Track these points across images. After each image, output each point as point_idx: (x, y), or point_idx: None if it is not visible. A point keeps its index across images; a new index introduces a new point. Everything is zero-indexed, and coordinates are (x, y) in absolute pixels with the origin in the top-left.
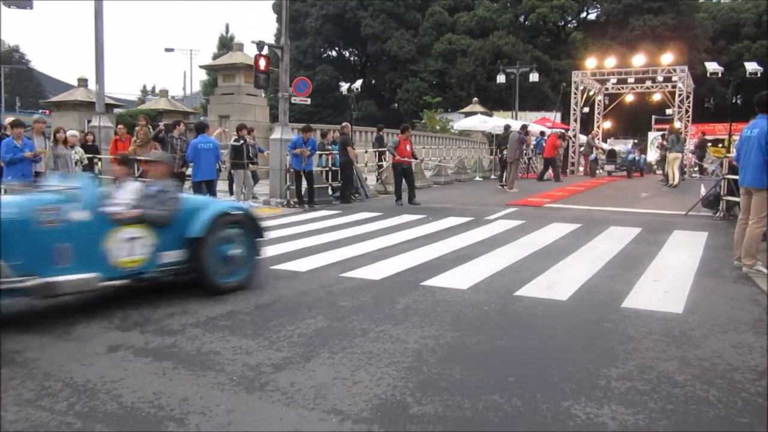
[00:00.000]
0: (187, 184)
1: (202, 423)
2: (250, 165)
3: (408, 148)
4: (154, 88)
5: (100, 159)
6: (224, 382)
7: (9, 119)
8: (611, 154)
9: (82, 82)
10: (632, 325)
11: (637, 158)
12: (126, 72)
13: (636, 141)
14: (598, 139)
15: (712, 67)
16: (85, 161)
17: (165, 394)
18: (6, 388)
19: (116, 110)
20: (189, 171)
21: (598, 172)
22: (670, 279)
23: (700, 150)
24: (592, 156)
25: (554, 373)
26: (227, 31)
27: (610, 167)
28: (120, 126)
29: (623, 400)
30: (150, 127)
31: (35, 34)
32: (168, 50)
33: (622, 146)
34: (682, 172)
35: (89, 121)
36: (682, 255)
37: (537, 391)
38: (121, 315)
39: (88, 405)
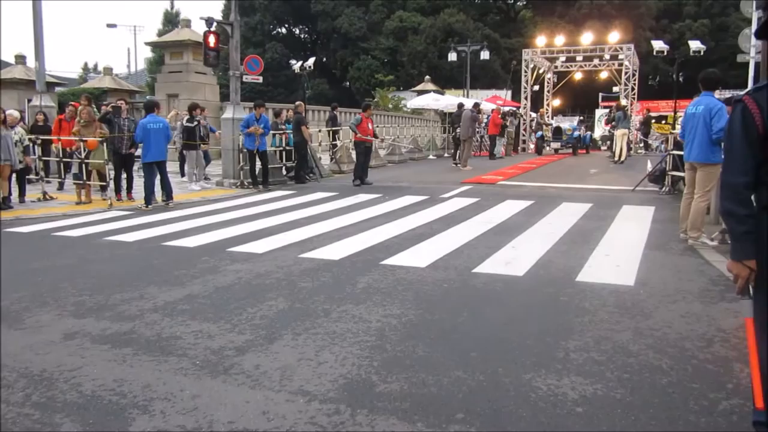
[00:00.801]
0: (137, 165)
1: (167, 409)
2: (202, 145)
3: (370, 126)
4: (96, 65)
5: (41, 140)
6: (187, 367)
7: None
8: (557, 132)
9: (20, 59)
10: (587, 298)
11: (582, 135)
12: (67, 48)
13: (582, 118)
14: (548, 116)
15: (658, 45)
16: (26, 142)
17: (127, 381)
18: None
19: (57, 89)
20: (138, 152)
21: (544, 149)
22: (621, 253)
23: (645, 126)
24: (539, 133)
25: (515, 347)
26: (172, 7)
27: (556, 145)
28: (69, 105)
29: (581, 371)
30: (94, 106)
31: None
32: (110, 26)
33: (569, 124)
34: (629, 149)
35: (30, 101)
36: (631, 229)
37: (499, 366)
38: (76, 302)
39: (45, 395)
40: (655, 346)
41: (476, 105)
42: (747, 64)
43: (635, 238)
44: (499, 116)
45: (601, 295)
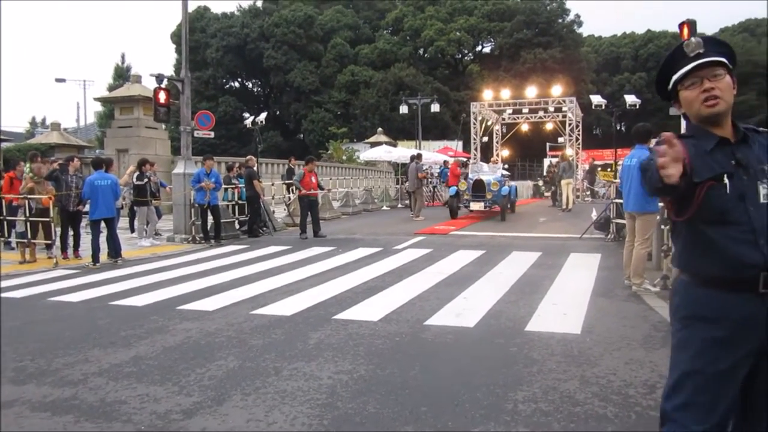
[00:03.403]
0: (84, 221)
1: None
2: (153, 201)
3: (313, 180)
4: (44, 120)
5: None
6: None
7: None
8: (478, 187)
9: None
10: (535, 348)
11: (510, 190)
12: (14, 102)
13: (506, 166)
14: (497, 167)
15: (596, 99)
16: None
17: None
18: None
19: (3, 144)
20: (87, 208)
21: (460, 210)
22: (568, 301)
23: (591, 174)
24: (452, 189)
25: (465, 399)
26: (123, 61)
27: (477, 205)
28: (20, 163)
29: (529, 422)
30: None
31: None
32: (59, 80)
33: (491, 175)
34: (576, 196)
35: None
36: (579, 277)
37: (449, 419)
38: (16, 368)
39: None
40: (600, 394)
41: (418, 156)
42: (679, 116)
43: (582, 286)
44: (458, 167)
45: (549, 344)
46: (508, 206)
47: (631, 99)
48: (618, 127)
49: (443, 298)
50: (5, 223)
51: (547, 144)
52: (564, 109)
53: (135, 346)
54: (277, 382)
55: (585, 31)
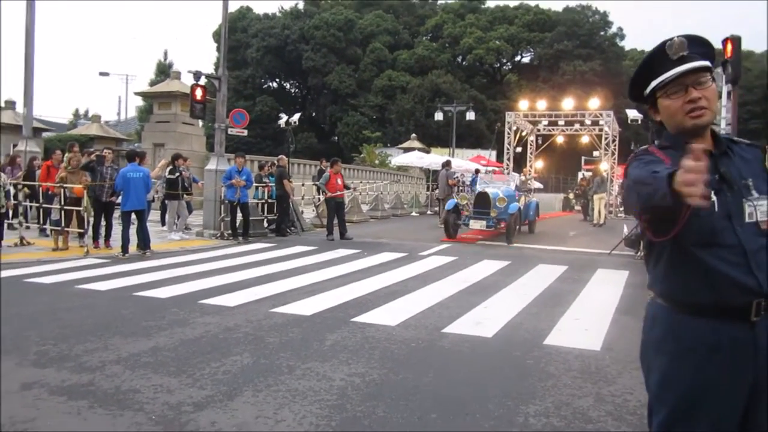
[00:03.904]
0: (116, 212)
1: None
2: (185, 195)
3: (339, 181)
4: (87, 112)
5: (24, 186)
6: (142, 422)
7: None
8: (481, 201)
9: (10, 104)
10: (552, 362)
11: (522, 207)
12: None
13: (524, 178)
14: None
15: (632, 114)
16: (8, 187)
17: None
18: None
19: (45, 134)
20: (119, 200)
21: (459, 229)
22: (591, 316)
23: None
24: (451, 202)
25: (476, 409)
26: (165, 58)
27: (478, 223)
28: (57, 152)
29: None
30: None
31: None
32: (103, 74)
33: (498, 189)
34: (609, 212)
35: (15, 145)
36: (604, 293)
37: (457, 428)
38: (38, 351)
39: None
40: (615, 413)
41: (448, 163)
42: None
43: (606, 302)
44: (453, 177)
45: (566, 359)
46: (520, 227)
47: (632, 114)
48: (654, 143)
49: (464, 306)
50: (41, 210)
51: (582, 157)
52: (601, 122)
53: (154, 336)
54: (290, 380)
55: (627, 44)
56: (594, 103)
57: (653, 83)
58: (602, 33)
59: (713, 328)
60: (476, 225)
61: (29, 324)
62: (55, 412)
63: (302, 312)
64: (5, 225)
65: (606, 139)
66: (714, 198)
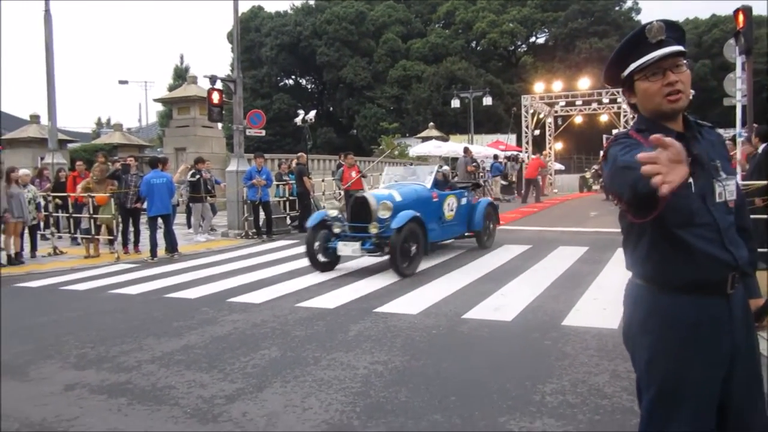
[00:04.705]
0: (143, 218)
1: None
2: (208, 197)
3: (354, 174)
4: (109, 120)
5: (54, 197)
6: (178, 416)
7: None
8: (359, 213)
9: (35, 118)
10: (570, 342)
11: (453, 212)
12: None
13: (513, 155)
14: (550, 160)
15: None
16: (39, 200)
17: (119, 430)
18: None
19: (70, 145)
20: (144, 206)
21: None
22: (609, 296)
23: None
24: (315, 217)
25: (493, 390)
26: (182, 62)
27: (349, 246)
28: (79, 163)
29: (555, 413)
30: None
31: None
32: (122, 82)
33: (399, 189)
34: None
35: (42, 158)
36: (623, 272)
37: (476, 409)
38: (78, 354)
39: None
40: (630, 388)
41: (466, 150)
42: (734, 107)
43: (625, 281)
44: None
45: (584, 338)
46: (450, 239)
47: None
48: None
49: (484, 292)
50: (71, 219)
51: (603, 136)
52: (619, 100)
53: (186, 335)
54: (316, 371)
55: (643, 18)
56: None
57: (633, 65)
58: (617, 8)
59: (694, 304)
60: (346, 250)
61: (67, 329)
62: (97, 410)
63: (326, 305)
64: (38, 236)
65: (625, 116)
66: (690, 180)
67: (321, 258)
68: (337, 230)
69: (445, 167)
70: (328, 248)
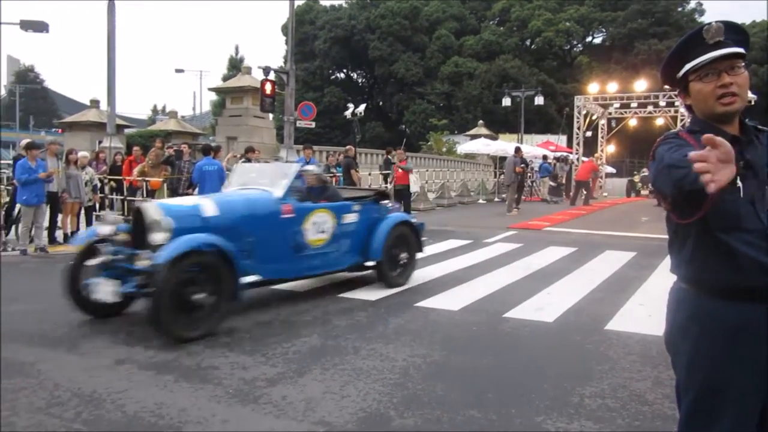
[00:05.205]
0: None
1: (198, 431)
2: None
3: (400, 170)
4: (164, 107)
5: (110, 180)
6: (221, 395)
7: (24, 141)
8: (137, 231)
9: (94, 103)
10: (612, 347)
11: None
12: (138, 91)
13: (560, 156)
14: (601, 162)
15: None
16: (96, 182)
17: (165, 405)
18: (18, 397)
19: (127, 130)
20: (195, 192)
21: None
22: (656, 303)
23: None
24: (85, 235)
25: (531, 390)
26: (237, 53)
27: (106, 288)
28: (136, 148)
29: (593, 416)
30: (165, 149)
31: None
32: (178, 71)
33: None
34: None
35: (100, 142)
36: (671, 279)
37: (513, 407)
38: (128, 331)
39: (94, 413)
40: (672, 396)
41: (517, 149)
42: None
43: None
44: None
45: (627, 343)
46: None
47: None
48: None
49: (526, 292)
50: (125, 202)
51: (658, 141)
52: (676, 103)
53: (231, 319)
54: (355, 360)
55: (707, 20)
56: None
57: (687, 66)
58: (679, 9)
59: (736, 309)
60: (100, 292)
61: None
62: (145, 385)
63: (368, 297)
64: (94, 216)
65: (682, 120)
66: (740, 184)
67: (95, 296)
68: (101, 259)
69: (312, 167)
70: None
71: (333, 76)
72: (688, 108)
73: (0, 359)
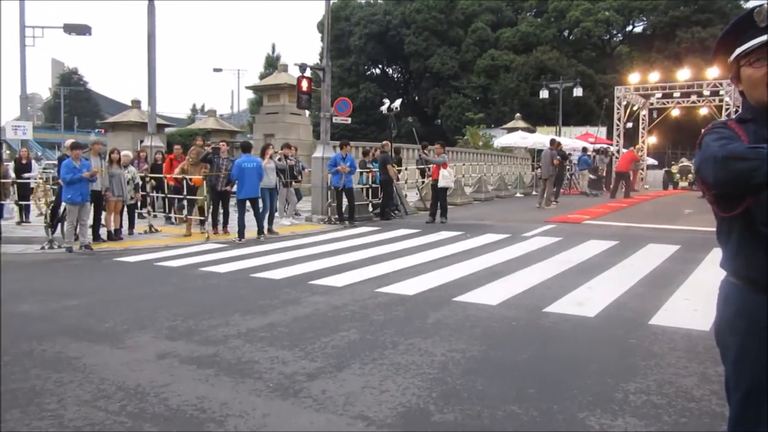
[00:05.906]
0: (233, 201)
1: (240, 425)
2: (294, 182)
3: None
4: (203, 106)
5: (152, 178)
6: (261, 389)
7: (69, 142)
8: None
9: (136, 103)
10: (657, 342)
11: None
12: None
13: (600, 148)
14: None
15: None
16: (137, 180)
17: (207, 398)
18: (66, 390)
19: (167, 129)
20: (234, 189)
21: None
22: (702, 297)
23: None
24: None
25: (573, 386)
26: (273, 51)
27: None
28: (177, 147)
29: (638, 412)
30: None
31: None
32: (216, 70)
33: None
34: None
35: (142, 141)
36: (718, 273)
37: (555, 403)
38: (170, 326)
39: (138, 406)
40: (720, 392)
41: (552, 141)
42: None
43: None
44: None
45: (672, 338)
46: None
47: None
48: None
49: (567, 286)
50: (166, 200)
51: (702, 131)
52: (721, 92)
53: (270, 314)
54: (394, 355)
55: (753, 5)
56: (713, 71)
57: (737, 50)
58: None
59: None
60: None
61: (161, 302)
62: (186, 379)
63: (406, 292)
64: (136, 214)
65: (727, 110)
66: None
67: None
68: None
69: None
70: None
71: (368, 72)
72: (742, 93)
73: (0, 359)
